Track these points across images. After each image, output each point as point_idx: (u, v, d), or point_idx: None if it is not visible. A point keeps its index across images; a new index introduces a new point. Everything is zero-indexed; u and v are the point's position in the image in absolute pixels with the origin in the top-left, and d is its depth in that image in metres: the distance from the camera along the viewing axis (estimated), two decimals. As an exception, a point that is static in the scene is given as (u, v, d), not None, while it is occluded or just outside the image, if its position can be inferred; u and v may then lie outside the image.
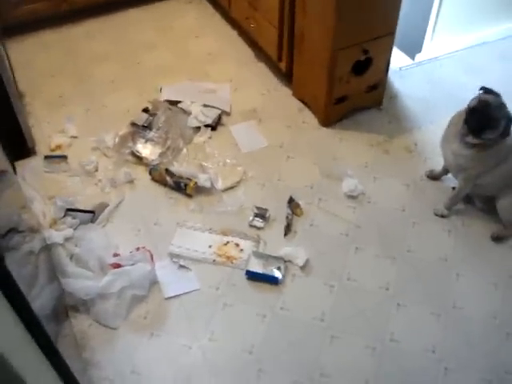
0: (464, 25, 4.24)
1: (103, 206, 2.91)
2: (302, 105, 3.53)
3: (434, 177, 3.16)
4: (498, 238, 2.90)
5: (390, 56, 3.34)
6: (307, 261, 2.70)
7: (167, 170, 3.03)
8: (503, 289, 2.69)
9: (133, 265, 2.57)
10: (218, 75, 3.78)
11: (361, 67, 3.23)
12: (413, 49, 4.02)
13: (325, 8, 2.92)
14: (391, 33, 3.21)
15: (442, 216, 2.97)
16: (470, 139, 2.63)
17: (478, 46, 4.28)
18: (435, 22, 3.98)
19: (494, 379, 2.36)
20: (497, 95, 2.63)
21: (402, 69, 3.93)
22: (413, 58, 4.04)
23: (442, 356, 2.43)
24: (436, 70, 3.99)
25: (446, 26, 4.08)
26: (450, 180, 3.08)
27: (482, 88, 2.67)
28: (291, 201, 2.92)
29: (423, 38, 3.96)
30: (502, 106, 2.59)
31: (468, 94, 2.70)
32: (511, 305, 2.63)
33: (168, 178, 3.00)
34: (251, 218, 2.86)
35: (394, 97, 3.70)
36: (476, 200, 3.03)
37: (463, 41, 4.27)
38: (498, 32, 4.44)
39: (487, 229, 2.93)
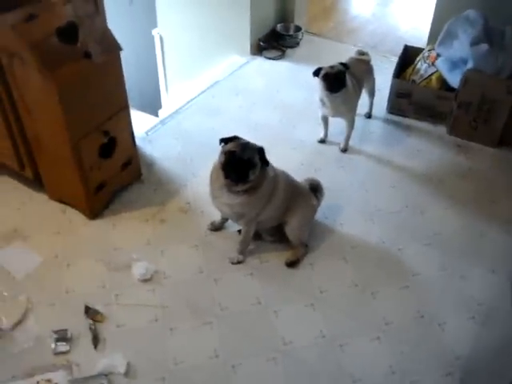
0: (192, 70, 4.40)
1: None
2: (63, 205, 3.31)
3: (216, 228, 3.16)
4: (292, 263, 2.98)
5: (131, 129, 3.28)
6: (128, 365, 2.50)
7: None
8: (319, 308, 2.78)
9: None
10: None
11: (108, 149, 3.13)
12: (154, 107, 4.04)
13: (48, 105, 2.77)
14: (125, 107, 3.16)
15: (239, 262, 2.98)
16: (240, 187, 2.67)
17: (211, 87, 4.46)
18: (165, 76, 4.05)
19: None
20: (237, 138, 2.71)
21: (148, 134, 3.92)
22: (156, 114, 4.05)
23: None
24: (181, 124, 4.05)
25: (177, 77, 4.18)
26: (233, 225, 3.10)
27: (222, 140, 2.71)
28: (88, 310, 2.71)
29: (159, 94, 4.00)
30: (248, 145, 2.67)
31: (218, 137, 2.74)
32: (332, 319, 2.72)
33: None
34: (53, 346, 2.59)
35: (150, 164, 3.66)
36: (264, 235, 3.09)
37: (197, 86, 4.41)
38: (225, 69, 4.69)
39: (283, 258, 3.00)
